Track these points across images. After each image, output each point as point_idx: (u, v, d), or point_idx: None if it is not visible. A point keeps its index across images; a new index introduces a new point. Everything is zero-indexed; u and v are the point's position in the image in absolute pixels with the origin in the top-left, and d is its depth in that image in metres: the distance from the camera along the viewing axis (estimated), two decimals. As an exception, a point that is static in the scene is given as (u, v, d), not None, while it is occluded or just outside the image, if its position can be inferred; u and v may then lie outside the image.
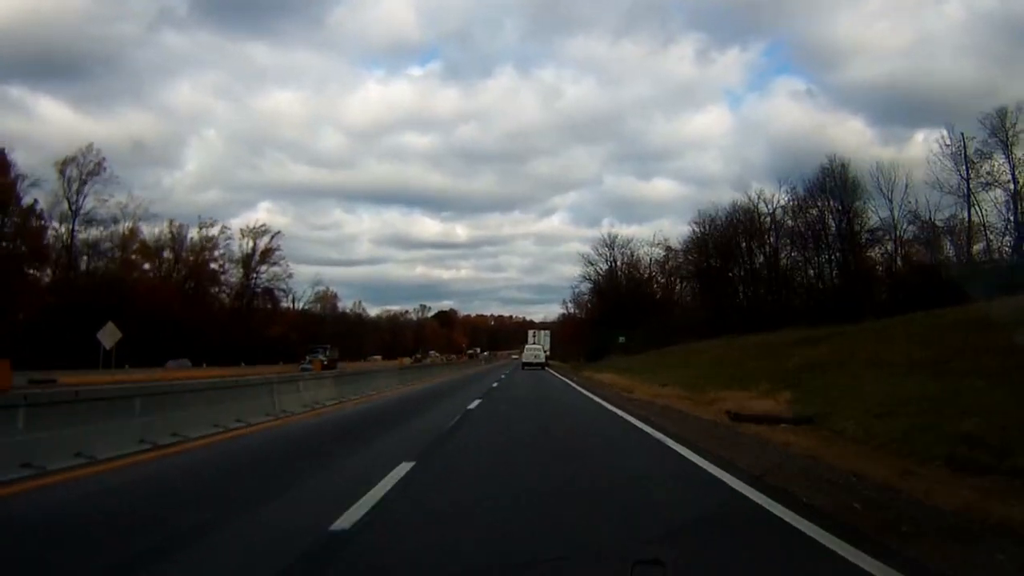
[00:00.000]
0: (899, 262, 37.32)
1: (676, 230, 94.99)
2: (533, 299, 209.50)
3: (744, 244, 50.19)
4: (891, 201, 39.40)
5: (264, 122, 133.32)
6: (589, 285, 67.08)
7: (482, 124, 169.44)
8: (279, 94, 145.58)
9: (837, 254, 42.00)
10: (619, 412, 15.30)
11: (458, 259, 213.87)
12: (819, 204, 42.25)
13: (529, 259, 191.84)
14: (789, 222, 46.73)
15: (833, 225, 41.61)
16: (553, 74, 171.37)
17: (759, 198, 50.32)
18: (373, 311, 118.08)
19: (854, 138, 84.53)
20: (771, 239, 49.41)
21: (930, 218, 36.77)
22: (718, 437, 10.99)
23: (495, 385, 24.80)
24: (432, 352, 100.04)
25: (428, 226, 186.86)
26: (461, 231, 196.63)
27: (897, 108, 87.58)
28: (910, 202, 38.31)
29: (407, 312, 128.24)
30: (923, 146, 68.30)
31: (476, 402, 16.54)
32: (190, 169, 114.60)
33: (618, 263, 64.51)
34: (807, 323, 37.67)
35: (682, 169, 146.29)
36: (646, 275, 63.70)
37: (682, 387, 23.02)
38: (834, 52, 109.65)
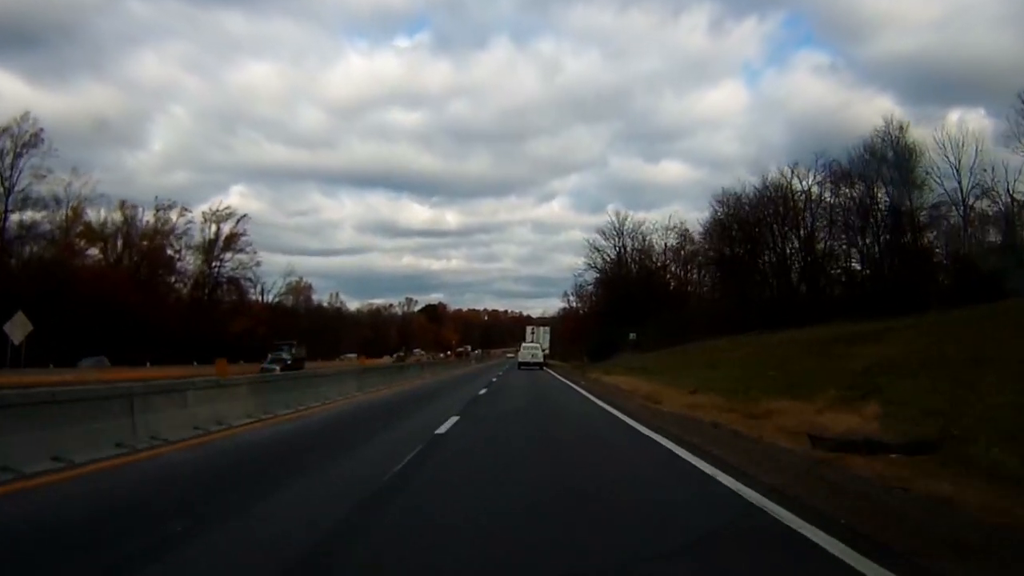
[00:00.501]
0: (967, 243, 33.20)
1: (687, 217, 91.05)
2: (530, 292, 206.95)
3: (775, 227, 46.09)
4: (958, 171, 35.32)
5: (237, 98, 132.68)
6: (595, 274, 63.11)
7: (475, 100, 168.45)
8: (253, 67, 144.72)
9: (887, 236, 37.88)
10: (654, 436, 11.07)
11: (448, 248, 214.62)
12: (868, 175, 38.03)
13: (526, 248, 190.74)
14: (828, 197, 42.67)
15: (885, 200, 37.46)
16: (553, 46, 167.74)
17: (792, 173, 46.26)
18: (354, 305, 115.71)
19: (882, 117, 79.98)
20: (806, 220, 45.41)
21: (1008, 190, 32.60)
22: (835, 491, 6.71)
23: (482, 392, 20.55)
24: (417, 350, 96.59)
25: (416, 212, 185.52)
26: (452, 218, 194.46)
27: (929, 85, 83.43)
28: (982, 171, 34.17)
29: (391, 306, 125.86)
30: (957, 127, 64.08)
31: (450, 421, 12.26)
32: (156, 149, 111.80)
33: (628, 249, 60.52)
34: (849, 316, 33.92)
35: (693, 150, 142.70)
36: (659, 263, 59.61)
37: (719, 394, 19.08)
38: (860, 23, 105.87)
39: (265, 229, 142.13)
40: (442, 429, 11.00)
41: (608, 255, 61.67)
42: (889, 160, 36.57)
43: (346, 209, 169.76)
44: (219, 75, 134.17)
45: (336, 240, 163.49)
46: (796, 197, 45.98)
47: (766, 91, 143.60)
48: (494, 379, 28.87)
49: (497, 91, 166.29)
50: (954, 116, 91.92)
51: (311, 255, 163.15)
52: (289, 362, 43.43)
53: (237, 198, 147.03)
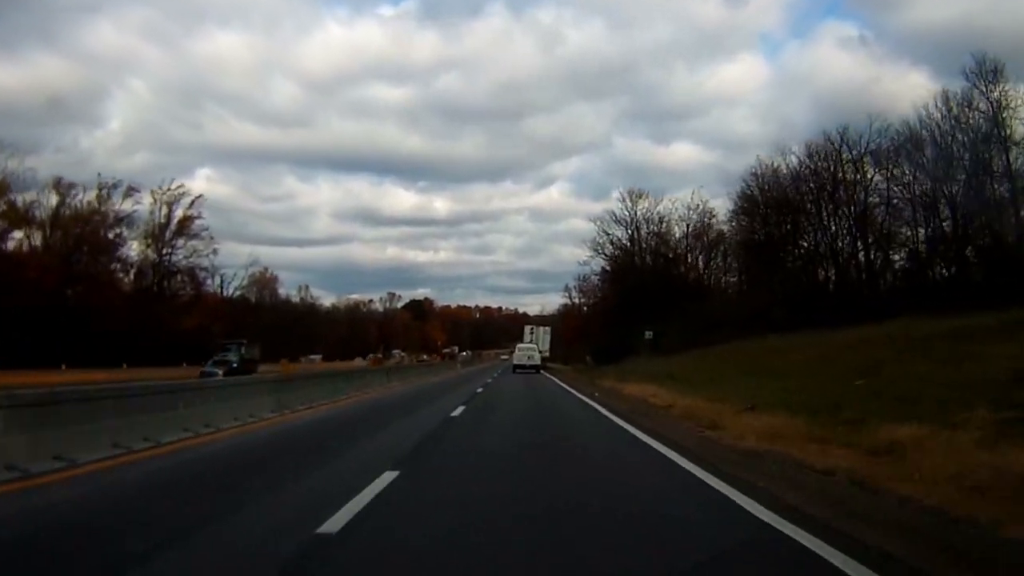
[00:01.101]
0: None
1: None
2: (527, 287, 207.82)
3: (821, 204, 40.80)
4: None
5: (203, 71, 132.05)
6: (602, 263, 57.67)
7: (467, 75, 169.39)
8: (221, 36, 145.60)
9: (964, 217, 32.77)
10: (757, 510, 5.61)
11: (437, 239, 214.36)
12: (941, 144, 32.91)
13: (523, 239, 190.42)
14: (885, 170, 37.43)
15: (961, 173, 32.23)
16: (552, 14, 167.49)
17: (842, 139, 40.98)
18: (329, 299, 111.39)
19: (916, 95, 75.03)
20: (858, 197, 40.17)
21: None
22: None
23: (457, 412, 14.97)
24: (397, 351, 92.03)
25: (401, 198, 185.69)
26: (441, 205, 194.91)
27: (972, 58, 77.39)
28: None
29: (371, 302, 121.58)
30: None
31: (374, 488, 6.43)
32: (113, 127, 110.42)
33: (642, 233, 54.96)
34: (921, 310, 28.78)
35: (707, 130, 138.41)
36: (679, 250, 54.19)
37: (791, 413, 13.70)
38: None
39: (234, 216, 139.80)
40: (335, 522, 5.22)
41: (619, 240, 56.27)
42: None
43: (323, 195, 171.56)
44: (183, 46, 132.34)
45: (312, 229, 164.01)
46: (843, 166, 40.66)
47: (787, 65, 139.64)
48: (479, 389, 23.25)
49: (491, 64, 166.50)
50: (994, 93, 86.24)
51: (284, 245, 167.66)
52: (235, 365, 38.58)
53: (203, 182, 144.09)
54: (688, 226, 53.03)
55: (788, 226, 44.19)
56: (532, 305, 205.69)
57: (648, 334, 44.04)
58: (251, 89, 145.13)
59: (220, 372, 34.92)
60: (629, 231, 55.78)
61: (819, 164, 41.70)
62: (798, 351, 27.55)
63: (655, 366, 37.58)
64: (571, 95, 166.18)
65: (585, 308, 75.83)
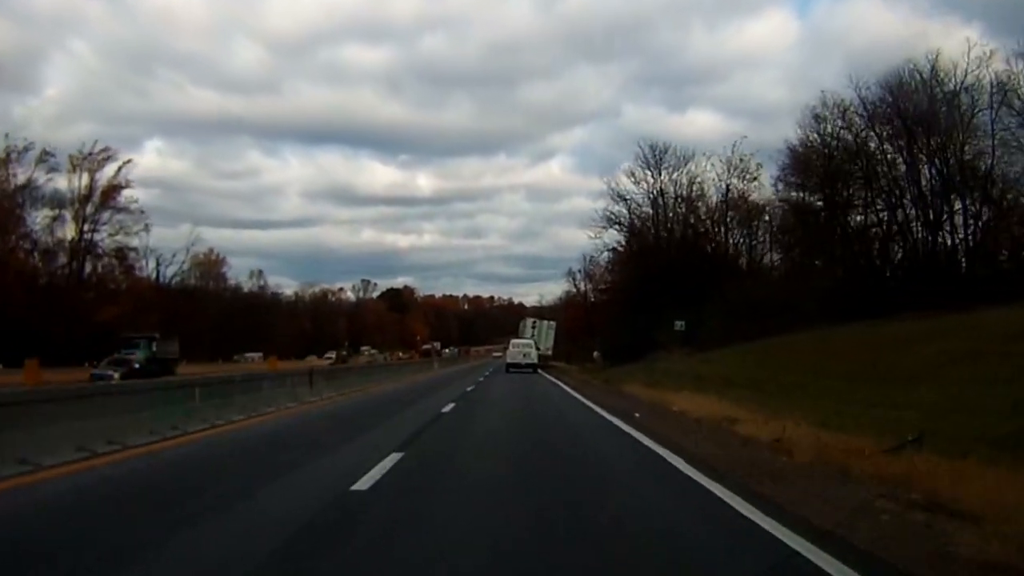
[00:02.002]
0: None
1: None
2: (523, 275, 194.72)
3: (912, 151, 33.97)
4: None
5: (153, 30, 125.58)
6: (617, 236, 50.62)
7: (455, 34, 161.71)
8: None
9: None
10: None
11: (420, 220, 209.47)
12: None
13: (518, 220, 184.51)
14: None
15: None
16: None
17: (933, 71, 34.15)
18: (291, 288, 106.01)
19: (966, 53, 68.43)
20: (956, 141, 33.53)
21: None
22: None
23: (390, 462, 7.82)
24: (367, 348, 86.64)
25: (379, 174, 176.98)
26: (424, 182, 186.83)
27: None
28: None
29: (341, 290, 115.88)
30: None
31: None
32: (51, 95, 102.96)
33: (668, 200, 47.73)
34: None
35: (729, 97, 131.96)
36: (714, 218, 47.07)
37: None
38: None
39: (189, 195, 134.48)
40: None
41: (638, 208, 48.99)
42: None
43: (291, 171, 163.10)
44: (131, 2, 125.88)
45: (278, 210, 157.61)
46: (938, 107, 33.91)
47: (820, 22, 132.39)
48: (447, 407, 15.59)
49: (482, 22, 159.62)
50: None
51: (246, 228, 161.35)
52: (137, 366, 32.91)
53: (154, 156, 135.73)
54: (727, 189, 45.78)
55: (856, 187, 37.46)
56: (529, 295, 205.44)
57: (679, 324, 37.78)
58: (209, 51, 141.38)
59: (116, 375, 29.47)
60: (651, 196, 48.75)
61: (901, 103, 34.72)
62: (925, 342, 20.60)
63: (693, 366, 31.25)
64: (573, 57, 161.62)
65: (593, 297, 71.58)
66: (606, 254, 54.19)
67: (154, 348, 36.65)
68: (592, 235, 51.08)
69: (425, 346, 79.58)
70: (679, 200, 46.86)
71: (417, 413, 14.81)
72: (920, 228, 34.15)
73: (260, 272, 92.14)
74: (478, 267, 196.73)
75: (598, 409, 16.93)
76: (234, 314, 72.52)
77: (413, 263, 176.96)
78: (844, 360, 22.59)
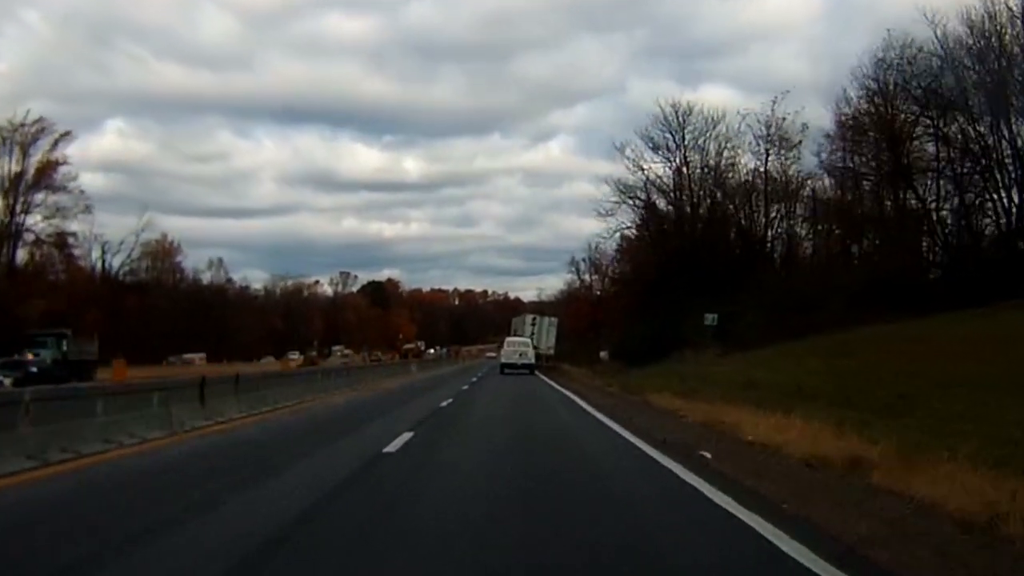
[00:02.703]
0: None
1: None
2: (520, 268, 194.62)
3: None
4: None
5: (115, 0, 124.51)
6: (633, 216, 45.63)
7: (445, 1, 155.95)
8: None
9: None
10: None
11: (407, 207, 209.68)
12: None
13: (515, 207, 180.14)
14: None
15: None
16: None
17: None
18: (260, 280, 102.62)
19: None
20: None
21: None
22: None
23: None
24: (339, 348, 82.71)
25: (362, 157, 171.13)
26: (412, 165, 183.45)
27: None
28: None
29: (317, 283, 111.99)
30: None
31: None
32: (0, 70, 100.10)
33: (692, 170, 42.35)
34: None
35: (745, 71, 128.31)
36: (748, 192, 41.75)
37: None
38: None
39: (154, 180, 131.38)
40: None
41: (659, 179, 43.63)
42: None
43: (265, 153, 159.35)
44: None
45: (251, 196, 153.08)
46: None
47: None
48: (397, 444, 10.20)
49: None
50: None
51: (217, 216, 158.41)
52: (35, 370, 28.80)
53: (115, 137, 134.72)
54: (766, 154, 40.37)
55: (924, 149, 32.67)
56: (527, 289, 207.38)
57: (710, 318, 33.60)
58: (174, 22, 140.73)
59: (7, 381, 25.91)
60: (673, 163, 43.43)
61: (986, 39, 29.82)
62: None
63: (737, 368, 26.40)
64: (574, 27, 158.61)
65: (600, 290, 69.80)
66: (617, 237, 49.30)
67: (65, 348, 32.41)
68: (603, 212, 45.61)
69: (407, 345, 75.57)
70: (706, 171, 41.70)
71: (335, 459, 9.59)
72: (1019, 196, 29.27)
73: (220, 262, 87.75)
74: (470, 259, 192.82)
75: (634, 439, 11.67)
76: (191, 310, 69.20)
77: (399, 254, 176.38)
78: (960, 361, 17.60)
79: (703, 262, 38.87)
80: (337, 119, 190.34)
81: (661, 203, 43.99)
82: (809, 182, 40.93)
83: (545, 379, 36.23)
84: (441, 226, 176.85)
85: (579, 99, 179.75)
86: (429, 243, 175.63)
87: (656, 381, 27.70)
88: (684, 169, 42.27)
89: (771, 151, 40.49)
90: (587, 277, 72.36)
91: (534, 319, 57.73)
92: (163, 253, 72.23)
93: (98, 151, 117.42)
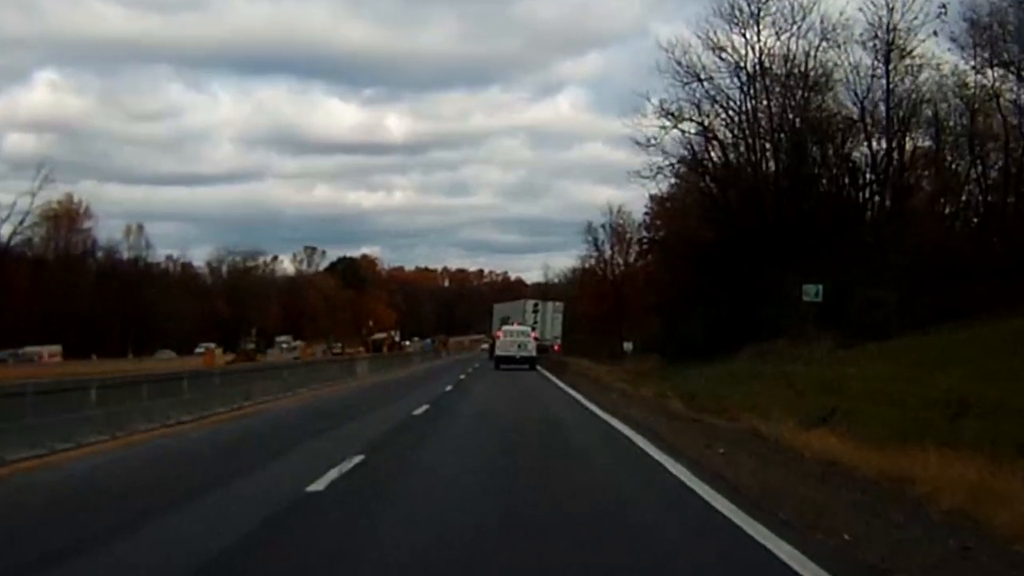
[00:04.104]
0: None
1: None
2: (522, 243, 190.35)
3: None
4: None
5: None
6: (671, 166, 37.10)
7: None
8: None
9: None
10: None
11: (390, 173, 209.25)
12: None
13: (516, 173, 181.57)
14: None
15: None
16: None
17: None
18: (202, 255, 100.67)
19: None
20: None
21: None
22: None
23: None
24: (284, 339, 76.48)
25: (337, 114, 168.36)
26: (396, 123, 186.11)
27: None
28: None
29: (275, 259, 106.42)
30: None
31: None
32: None
33: (769, 80, 33.02)
34: None
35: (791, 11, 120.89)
36: (854, 115, 33.16)
37: None
38: None
39: (92, 143, 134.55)
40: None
41: (723, 97, 34.22)
42: None
43: (223, 109, 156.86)
44: None
45: (207, 159, 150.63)
46: None
47: None
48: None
49: None
50: None
51: (166, 183, 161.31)
52: None
53: (46, 91, 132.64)
54: (887, 50, 30.40)
55: None
56: (531, 269, 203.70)
57: (813, 291, 25.76)
58: None
59: None
60: (742, 75, 34.39)
61: None
62: None
63: (884, 371, 18.69)
64: None
65: (617, 269, 67.12)
66: (655, 188, 40.52)
67: None
68: (643, 140, 35.94)
69: (378, 335, 68.29)
70: (793, 77, 32.08)
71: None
72: None
73: (140, 228, 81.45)
74: (463, 233, 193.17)
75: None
76: (106, 290, 64.03)
77: (380, 228, 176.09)
78: None
79: (785, 217, 31.40)
80: (307, 69, 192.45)
81: (724, 134, 34.86)
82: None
83: (555, 380, 30.83)
84: (429, 195, 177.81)
85: (592, 45, 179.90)
86: (415, 215, 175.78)
87: (741, 391, 19.52)
88: (760, 80, 32.62)
89: (879, 53, 31.51)
90: (607, 251, 68.10)
91: (536, 305, 57.75)
92: (68, 217, 67.32)
93: (27, 107, 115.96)
